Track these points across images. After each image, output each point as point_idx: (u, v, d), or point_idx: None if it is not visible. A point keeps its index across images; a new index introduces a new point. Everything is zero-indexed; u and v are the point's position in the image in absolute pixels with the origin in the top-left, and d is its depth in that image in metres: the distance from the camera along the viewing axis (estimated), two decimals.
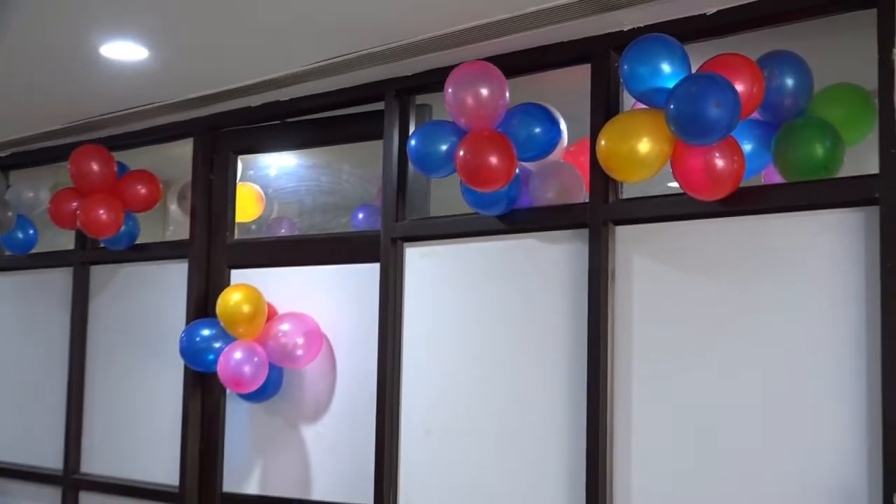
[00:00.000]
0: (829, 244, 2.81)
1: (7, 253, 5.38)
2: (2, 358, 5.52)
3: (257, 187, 4.78)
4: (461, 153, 3.23)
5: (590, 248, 3.24)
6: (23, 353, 5.40)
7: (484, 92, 3.24)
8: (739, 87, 2.72)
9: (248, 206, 4.67)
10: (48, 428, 5.12)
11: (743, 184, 2.89)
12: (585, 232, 3.27)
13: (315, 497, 4.10)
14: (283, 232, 4.91)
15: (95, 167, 4.53)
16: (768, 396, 2.88)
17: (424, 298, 3.74)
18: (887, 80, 2.65)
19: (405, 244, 3.79)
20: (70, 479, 4.94)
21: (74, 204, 4.59)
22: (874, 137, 2.73)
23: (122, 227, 4.59)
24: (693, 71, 2.85)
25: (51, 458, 5.09)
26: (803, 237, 2.86)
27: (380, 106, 3.91)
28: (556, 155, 3.41)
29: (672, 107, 2.73)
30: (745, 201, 2.93)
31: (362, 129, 4.07)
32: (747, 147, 2.93)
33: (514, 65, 3.43)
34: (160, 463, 4.59)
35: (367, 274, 3.93)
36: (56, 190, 4.84)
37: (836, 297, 2.79)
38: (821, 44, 3.00)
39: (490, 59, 3.39)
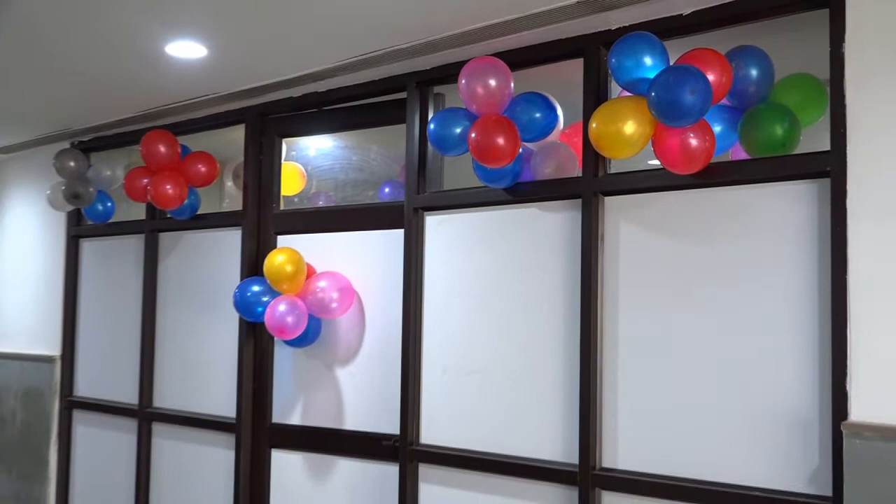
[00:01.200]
0: (787, 211, 2.81)
1: (89, 222, 5.41)
2: (87, 311, 5.56)
3: (299, 166, 4.77)
4: (473, 135, 3.22)
5: (582, 215, 3.24)
6: (104, 307, 5.44)
7: (492, 83, 3.23)
8: (711, 77, 2.72)
9: (291, 181, 4.67)
10: (126, 369, 5.17)
11: (714, 160, 2.88)
12: (578, 202, 3.28)
13: (348, 427, 4.13)
14: (320, 203, 4.91)
15: (162, 149, 4.54)
16: (735, 339, 2.90)
17: (441, 258, 3.74)
18: (838, 70, 2.63)
19: (425, 213, 3.79)
20: (144, 412, 4.99)
21: (145, 181, 4.61)
22: (826, 120, 2.71)
23: (186, 200, 4.61)
24: (671, 63, 2.84)
25: (128, 394, 5.14)
26: (765, 205, 2.86)
27: (402, 95, 3.90)
28: (554, 136, 3.39)
29: (653, 94, 2.72)
30: (716, 175, 2.93)
31: (387, 115, 4.05)
32: (717, 128, 2.92)
33: (517, 59, 3.41)
34: (219, 398, 4.63)
35: (393, 238, 3.94)
36: (129, 169, 4.86)
37: (793, 255, 2.79)
38: (781, 39, 2.97)
39: (497, 55, 3.37)
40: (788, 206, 2.80)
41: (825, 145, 2.68)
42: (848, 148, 2.59)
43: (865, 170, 2.55)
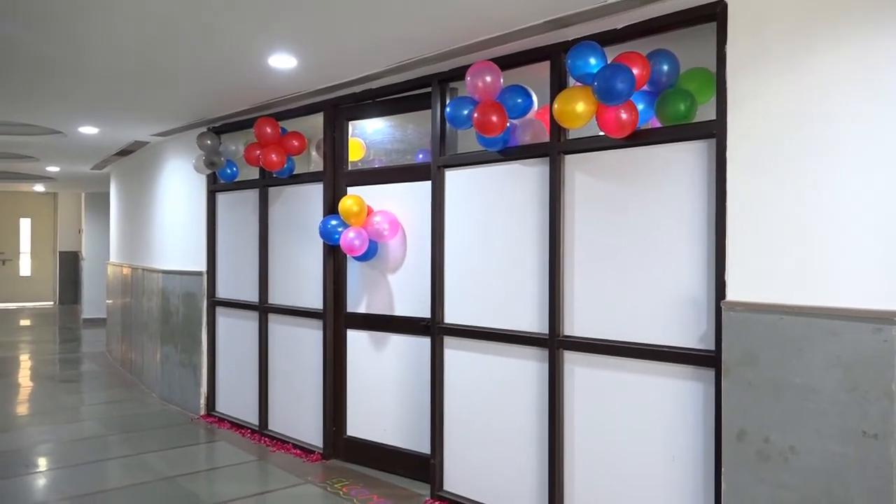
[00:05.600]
0: (687, 160, 2.82)
1: (221, 181, 5.45)
2: (222, 241, 5.62)
3: (361, 140, 4.81)
4: (476, 115, 3.25)
5: (550, 167, 3.26)
6: (234, 238, 5.48)
7: (488, 79, 3.25)
8: (635, 71, 2.73)
9: (355, 150, 4.70)
10: (249, 279, 5.24)
11: (638, 128, 2.89)
12: (547, 159, 3.29)
13: (397, 314, 4.21)
14: (375, 164, 4.95)
15: (269, 130, 4.59)
16: (652, 247, 2.93)
17: (457, 199, 3.76)
18: (722, 64, 2.62)
19: (445, 169, 3.81)
20: (262, 306, 5.08)
21: (258, 152, 4.66)
22: (714, 99, 2.72)
23: (285, 165, 4.66)
24: (609, 62, 2.84)
25: (251, 294, 5.21)
26: (673, 157, 2.87)
27: (428, 90, 3.90)
28: (530, 115, 3.39)
29: (596, 84, 2.74)
30: (639, 138, 2.93)
31: (419, 103, 4.05)
32: (640, 106, 2.92)
33: (505, 63, 3.39)
34: (312, 296, 4.70)
35: (424, 187, 3.96)
36: (247, 144, 4.91)
37: (690, 190, 2.81)
38: (684, 43, 2.95)
39: (492, 60, 3.37)
40: (688, 157, 2.81)
41: (712, 116, 2.68)
42: (728, 118, 2.59)
43: (739, 132, 2.56)
